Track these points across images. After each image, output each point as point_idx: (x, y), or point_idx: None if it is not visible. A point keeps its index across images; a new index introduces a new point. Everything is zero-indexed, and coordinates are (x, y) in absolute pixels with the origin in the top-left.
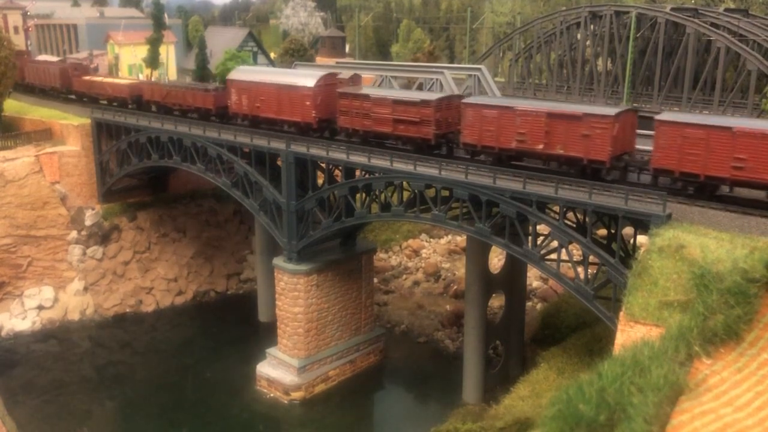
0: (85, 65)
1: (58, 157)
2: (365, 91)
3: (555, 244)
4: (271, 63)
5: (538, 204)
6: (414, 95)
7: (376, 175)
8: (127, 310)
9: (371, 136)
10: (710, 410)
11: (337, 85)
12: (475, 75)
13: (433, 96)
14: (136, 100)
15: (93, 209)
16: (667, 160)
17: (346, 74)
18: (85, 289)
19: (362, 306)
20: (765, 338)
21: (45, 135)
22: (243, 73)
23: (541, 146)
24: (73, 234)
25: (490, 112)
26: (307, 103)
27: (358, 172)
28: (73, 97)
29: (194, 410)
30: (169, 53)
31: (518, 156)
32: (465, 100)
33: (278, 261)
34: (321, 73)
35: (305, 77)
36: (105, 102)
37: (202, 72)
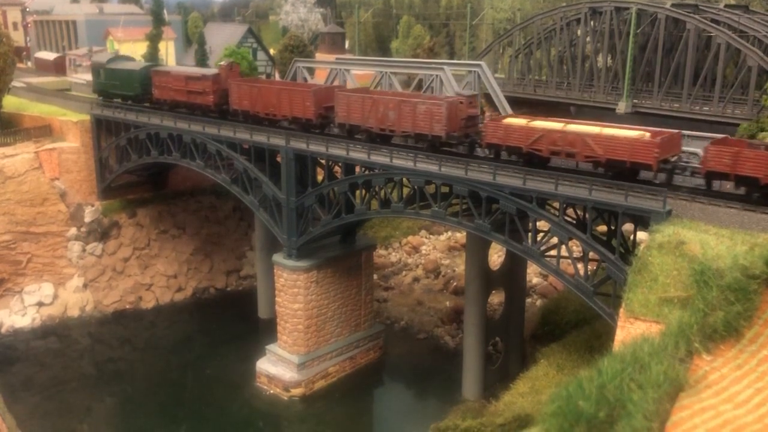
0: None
1: (58, 154)
2: None
3: (555, 240)
4: (271, 59)
5: (538, 200)
6: None
7: (376, 171)
8: (127, 306)
9: None
10: (710, 407)
11: None
12: (475, 71)
13: None
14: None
15: (92, 206)
16: None
17: None
18: (85, 285)
19: (362, 302)
20: (765, 335)
21: (44, 131)
22: None
23: None
24: (73, 230)
25: None
26: None
27: (357, 169)
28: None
29: (194, 407)
30: (168, 50)
31: None
32: None
33: (278, 257)
34: None
35: None
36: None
37: None
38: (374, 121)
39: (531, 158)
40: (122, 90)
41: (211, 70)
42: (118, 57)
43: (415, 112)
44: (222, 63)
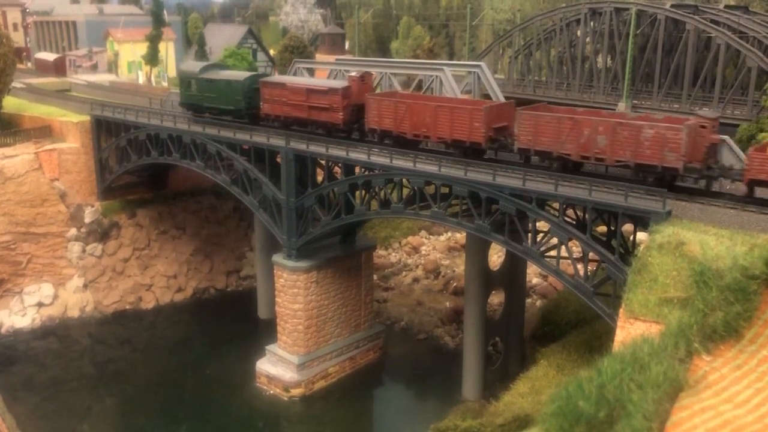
0: (715, 123)
1: (58, 154)
2: None
3: (555, 240)
4: (271, 60)
5: (537, 201)
6: None
7: (376, 172)
8: (127, 307)
9: None
10: (710, 407)
11: None
12: (475, 72)
13: None
14: None
15: (92, 206)
16: None
17: None
18: (85, 286)
19: (362, 303)
20: (764, 335)
21: (44, 132)
22: None
23: None
24: (73, 231)
25: None
26: None
27: (357, 169)
28: None
29: (194, 407)
30: (168, 50)
31: None
32: None
33: (278, 258)
34: None
35: None
36: None
37: None
38: (574, 147)
39: None
40: (220, 104)
41: (339, 82)
42: (213, 65)
43: (640, 137)
44: (352, 74)
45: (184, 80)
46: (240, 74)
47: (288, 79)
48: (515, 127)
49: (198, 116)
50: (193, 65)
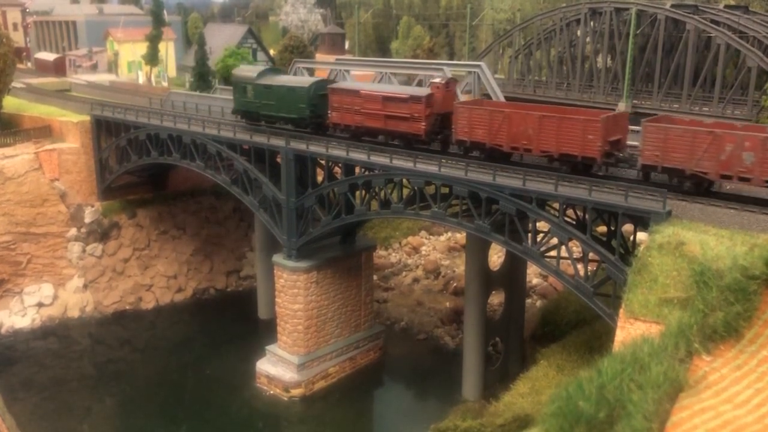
0: None
1: (58, 155)
2: None
3: (555, 241)
4: (271, 60)
5: (537, 201)
6: None
7: (376, 172)
8: (127, 307)
9: None
10: (710, 407)
11: None
12: (475, 72)
13: None
14: None
15: (92, 206)
16: None
17: None
18: (85, 286)
19: (362, 303)
20: (765, 335)
21: (44, 132)
22: None
23: None
24: (73, 231)
25: None
26: None
27: (357, 169)
28: None
29: (194, 407)
30: (168, 50)
31: None
32: None
33: (278, 258)
34: None
35: None
36: None
37: (201, 69)
38: (712, 164)
39: None
40: (280, 111)
41: (422, 90)
42: (270, 69)
43: None
44: (436, 80)
45: (239, 86)
46: (304, 80)
47: (361, 85)
48: (640, 141)
49: (253, 124)
50: (249, 70)
